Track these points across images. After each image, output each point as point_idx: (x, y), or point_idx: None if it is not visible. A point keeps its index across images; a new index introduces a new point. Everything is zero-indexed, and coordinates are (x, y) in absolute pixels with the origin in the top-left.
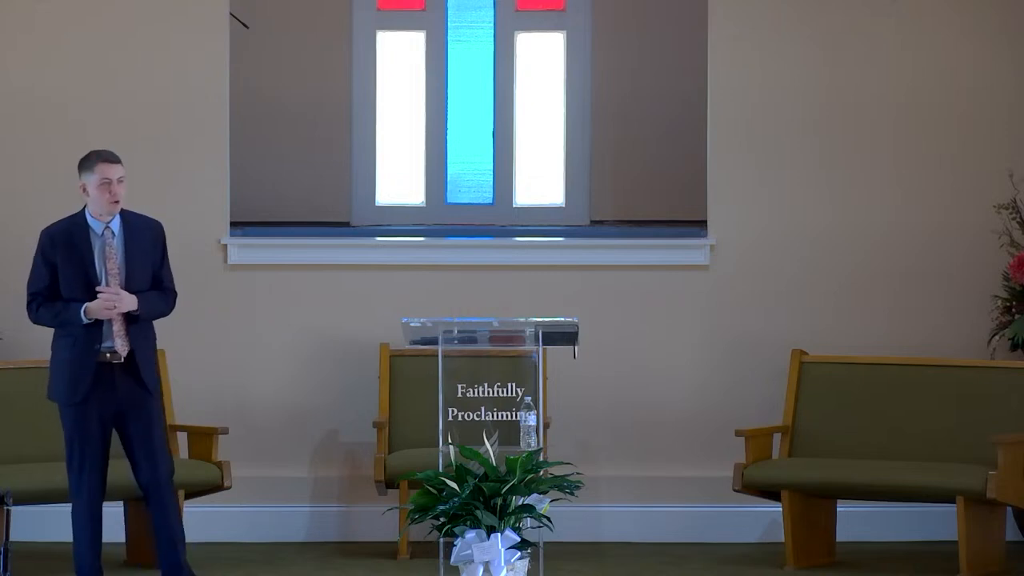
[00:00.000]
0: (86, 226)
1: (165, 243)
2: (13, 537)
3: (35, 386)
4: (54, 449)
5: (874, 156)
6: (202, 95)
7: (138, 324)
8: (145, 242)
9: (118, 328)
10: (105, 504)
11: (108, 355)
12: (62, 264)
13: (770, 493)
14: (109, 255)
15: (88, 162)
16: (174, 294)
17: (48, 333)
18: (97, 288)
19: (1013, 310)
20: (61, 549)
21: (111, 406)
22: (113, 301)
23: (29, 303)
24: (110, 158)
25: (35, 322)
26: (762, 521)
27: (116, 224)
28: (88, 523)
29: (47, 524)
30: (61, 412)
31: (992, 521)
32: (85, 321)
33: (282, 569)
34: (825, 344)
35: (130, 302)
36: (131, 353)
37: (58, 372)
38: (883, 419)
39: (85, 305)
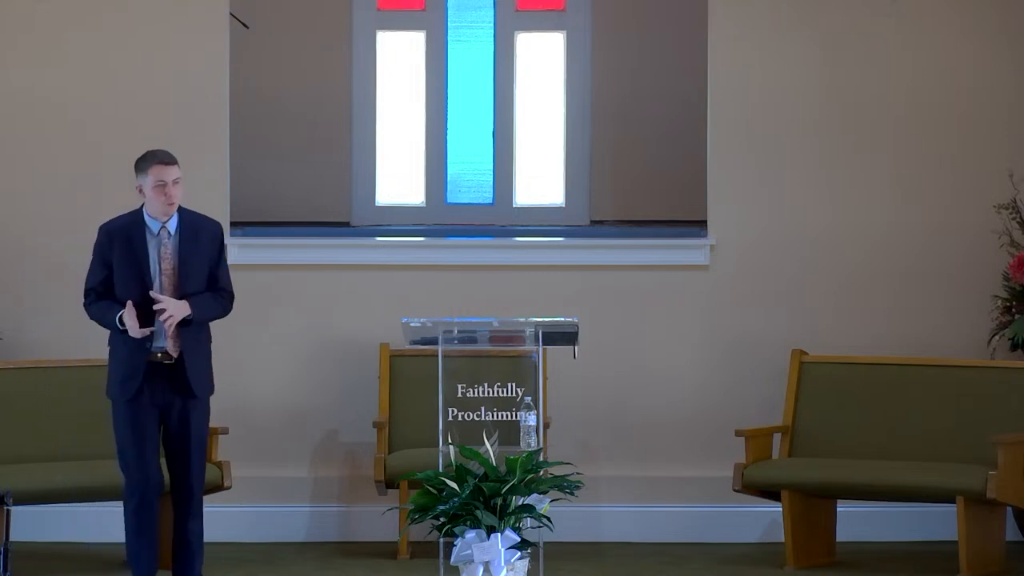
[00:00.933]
0: (143, 225)
1: (223, 243)
2: (13, 537)
3: (35, 386)
4: (54, 449)
5: (874, 156)
6: (202, 95)
7: (191, 326)
8: (202, 243)
9: (170, 330)
10: (104, 504)
11: (159, 355)
12: (118, 262)
13: (770, 493)
14: (164, 255)
15: (144, 163)
16: (231, 295)
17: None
18: (151, 293)
19: (1013, 310)
20: (61, 549)
21: (161, 404)
22: (167, 312)
23: (85, 297)
24: (165, 159)
25: (90, 318)
26: (762, 521)
27: (173, 224)
28: (142, 523)
29: (47, 524)
30: (113, 409)
31: (992, 521)
32: (120, 328)
33: (282, 569)
34: (825, 344)
35: (182, 310)
36: (184, 353)
37: (113, 370)
38: (883, 419)
39: (121, 313)
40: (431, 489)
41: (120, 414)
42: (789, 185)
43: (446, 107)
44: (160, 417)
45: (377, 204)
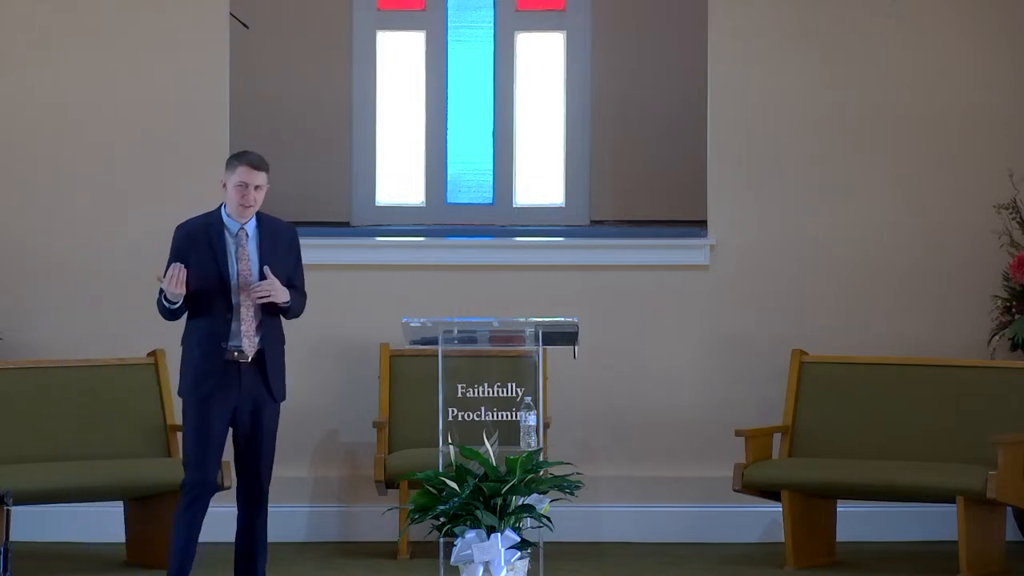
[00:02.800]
0: (222, 224)
1: (299, 248)
2: (13, 537)
3: (35, 386)
4: (54, 449)
5: (874, 156)
6: (202, 95)
7: (269, 323)
8: (280, 246)
9: (246, 328)
10: (104, 504)
11: (235, 354)
12: (195, 261)
13: (770, 493)
14: (241, 256)
15: (234, 161)
16: (305, 297)
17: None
18: (249, 287)
19: (1013, 310)
20: (61, 549)
21: (233, 403)
22: (267, 289)
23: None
24: (255, 163)
25: (163, 318)
26: (762, 521)
27: (251, 226)
28: (192, 519)
29: (47, 524)
30: (184, 405)
31: (992, 521)
32: (168, 305)
33: (282, 569)
34: (825, 344)
35: (283, 294)
36: (260, 353)
37: (186, 369)
38: (883, 419)
39: (161, 286)
40: (431, 489)
41: (190, 412)
42: (789, 185)
43: (446, 107)
44: (230, 418)
45: (377, 204)
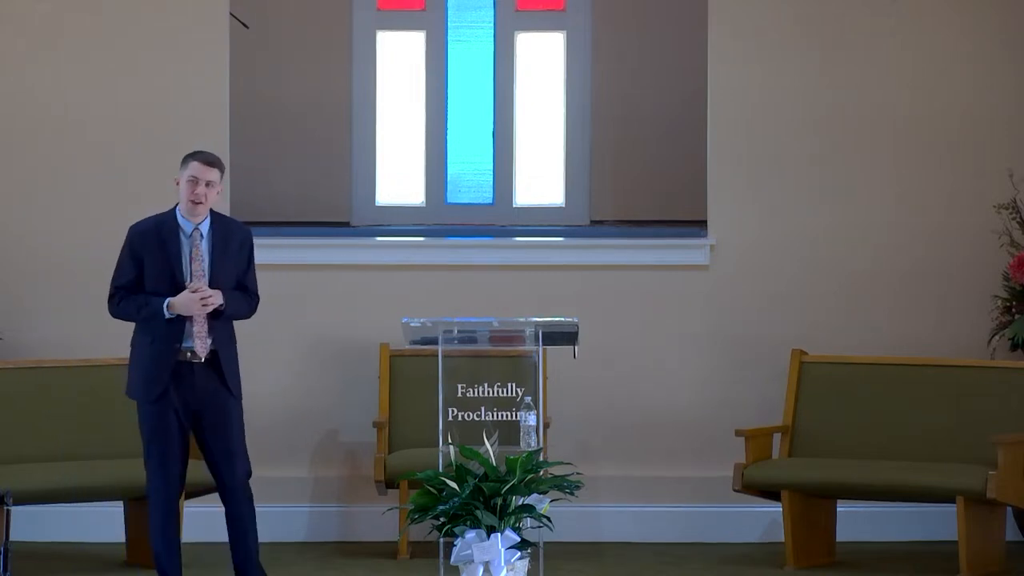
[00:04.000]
0: (176, 225)
1: (252, 249)
2: (13, 537)
3: (35, 386)
4: (54, 449)
5: (874, 156)
6: (202, 95)
7: (220, 325)
8: (233, 246)
9: (199, 328)
10: (104, 504)
11: (188, 354)
12: (149, 261)
13: (770, 493)
14: (195, 256)
15: (187, 158)
16: (257, 299)
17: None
18: (189, 286)
19: (1013, 310)
20: (61, 549)
21: (190, 404)
22: (208, 295)
23: (111, 297)
24: (207, 159)
25: (115, 316)
26: (762, 521)
27: (205, 226)
28: (165, 522)
29: (47, 524)
30: (139, 409)
31: (992, 521)
32: (167, 316)
33: (282, 569)
34: (825, 344)
35: (217, 298)
36: (213, 353)
37: (136, 369)
38: (883, 419)
39: (168, 300)
40: (431, 489)
41: (144, 415)
42: (789, 185)
43: (446, 107)
44: (192, 419)
45: (377, 204)
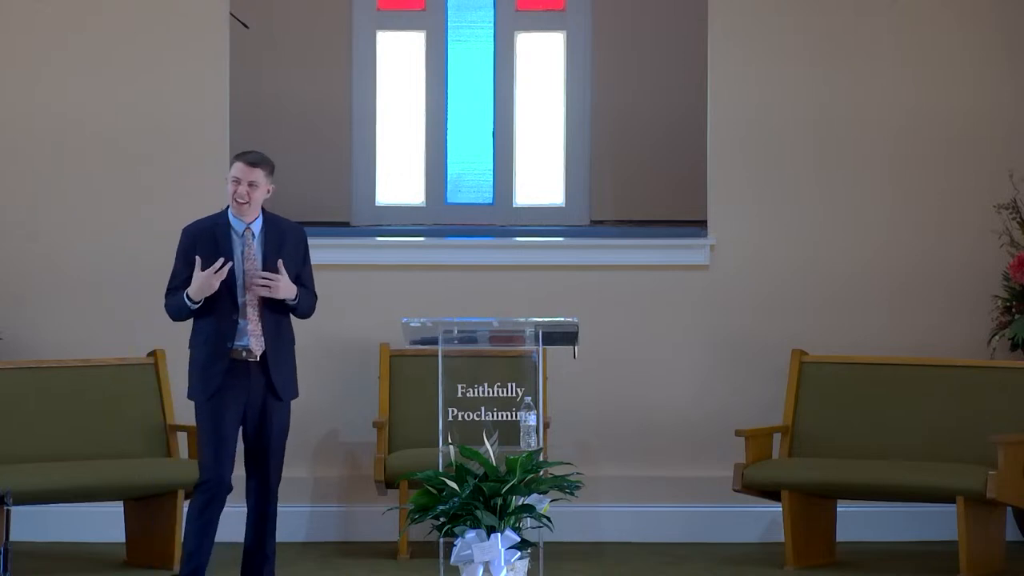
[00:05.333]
0: (228, 225)
1: (307, 247)
2: (13, 537)
3: (35, 386)
4: (54, 449)
5: (874, 155)
6: (202, 95)
7: (277, 324)
8: (287, 246)
9: (253, 327)
10: (104, 504)
11: (243, 353)
12: (203, 261)
13: (770, 493)
14: (248, 256)
15: (234, 158)
16: (315, 297)
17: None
18: (255, 274)
19: (1013, 310)
20: (61, 549)
21: (243, 403)
22: (270, 283)
23: (165, 297)
24: (248, 159)
25: (168, 314)
26: (762, 521)
27: (257, 225)
28: (208, 519)
29: (47, 524)
30: (196, 407)
31: (992, 521)
32: (191, 306)
33: (282, 569)
34: (825, 344)
35: (288, 289)
36: (267, 352)
37: (194, 369)
38: (883, 419)
39: (187, 291)
40: (431, 489)
41: (201, 411)
42: (789, 185)
43: (446, 107)
44: (241, 417)
45: (377, 204)
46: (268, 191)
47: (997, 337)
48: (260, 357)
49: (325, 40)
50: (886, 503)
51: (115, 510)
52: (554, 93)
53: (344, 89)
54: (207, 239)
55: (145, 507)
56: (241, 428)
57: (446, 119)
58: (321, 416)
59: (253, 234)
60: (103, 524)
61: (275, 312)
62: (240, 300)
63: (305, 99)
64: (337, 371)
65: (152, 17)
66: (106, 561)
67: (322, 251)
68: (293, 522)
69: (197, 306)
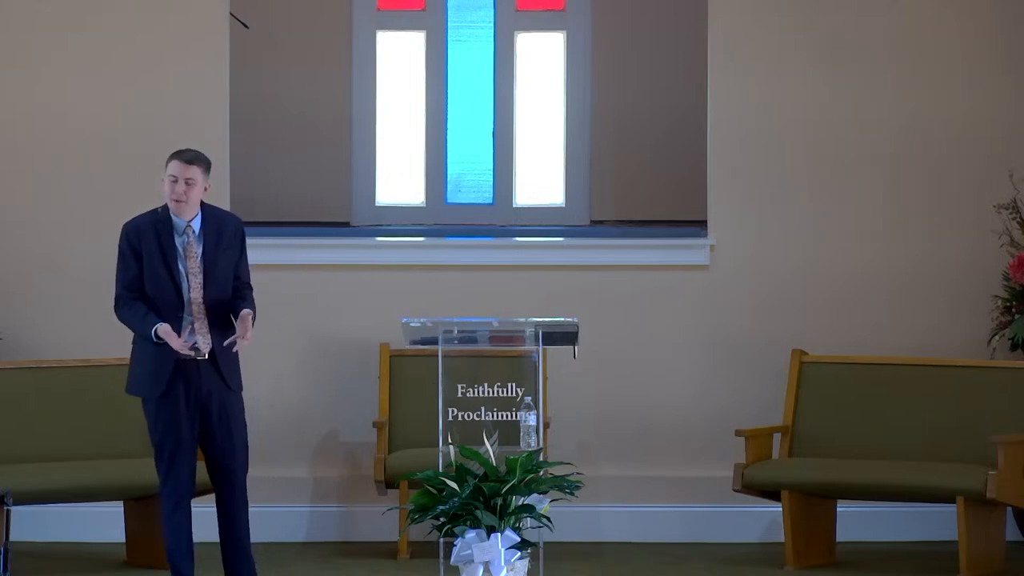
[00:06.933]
0: (169, 222)
1: (244, 239)
2: (13, 537)
3: (35, 386)
4: (54, 449)
5: (874, 155)
6: (202, 95)
7: (220, 323)
8: (225, 238)
9: (199, 325)
10: (104, 504)
11: (192, 351)
12: (147, 258)
13: (770, 493)
14: (190, 253)
15: (169, 157)
16: (251, 289)
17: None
18: (225, 343)
19: (1013, 310)
20: (61, 549)
21: (195, 400)
22: (244, 339)
23: (117, 299)
24: (185, 157)
25: (119, 319)
26: (762, 521)
27: (197, 222)
28: (180, 520)
29: (47, 524)
30: (145, 407)
31: (992, 521)
32: (155, 341)
33: (282, 569)
34: (825, 344)
35: (249, 323)
36: (212, 351)
37: (139, 367)
38: (883, 419)
39: (156, 327)
40: (431, 489)
41: (153, 413)
42: (789, 184)
43: (446, 107)
44: (198, 414)
45: (377, 204)
46: (205, 188)
47: (997, 337)
48: (208, 355)
49: (325, 40)
50: (886, 503)
51: (115, 510)
52: (554, 93)
53: (344, 89)
54: (150, 236)
55: (145, 507)
56: (201, 427)
57: (446, 119)
58: (321, 416)
59: (194, 231)
60: (103, 524)
61: (218, 312)
62: (186, 298)
63: (305, 99)
64: (337, 371)
65: (152, 17)
66: (106, 561)
67: (322, 251)
68: (293, 522)
69: (161, 342)
